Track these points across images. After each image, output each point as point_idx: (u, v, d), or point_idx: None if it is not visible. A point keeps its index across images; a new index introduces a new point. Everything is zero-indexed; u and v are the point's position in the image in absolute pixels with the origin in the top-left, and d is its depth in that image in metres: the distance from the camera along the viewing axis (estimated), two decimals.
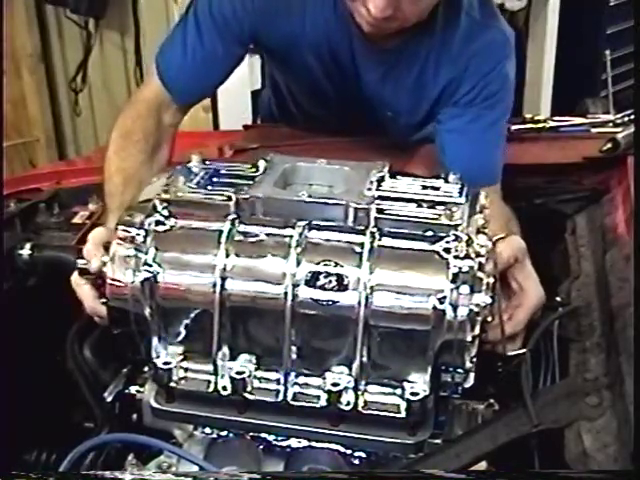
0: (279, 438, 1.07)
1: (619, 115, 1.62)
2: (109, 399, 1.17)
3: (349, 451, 1.06)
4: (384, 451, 1.05)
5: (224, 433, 1.10)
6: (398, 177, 1.10)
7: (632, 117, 1.56)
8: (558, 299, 1.22)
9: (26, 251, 1.27)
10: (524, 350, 1.07)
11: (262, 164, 1.11)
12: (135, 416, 1.16)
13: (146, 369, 1.14)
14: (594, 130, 1.61)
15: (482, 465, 0.98)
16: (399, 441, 1.01)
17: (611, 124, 1.61)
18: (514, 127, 1.60)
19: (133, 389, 1.17)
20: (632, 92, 2.96)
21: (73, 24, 3.18)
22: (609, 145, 1.41)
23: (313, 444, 1.07)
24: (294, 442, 1.07)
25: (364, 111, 1.58)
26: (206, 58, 1.47)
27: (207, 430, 1.11)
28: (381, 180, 1.08)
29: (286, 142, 1.64)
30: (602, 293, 1.16)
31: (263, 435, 1.08)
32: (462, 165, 1.26)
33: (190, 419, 1.09)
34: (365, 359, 0.99)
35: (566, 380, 1.06)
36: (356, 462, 1.07)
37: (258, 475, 0.98)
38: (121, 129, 1.44)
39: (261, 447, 1.08)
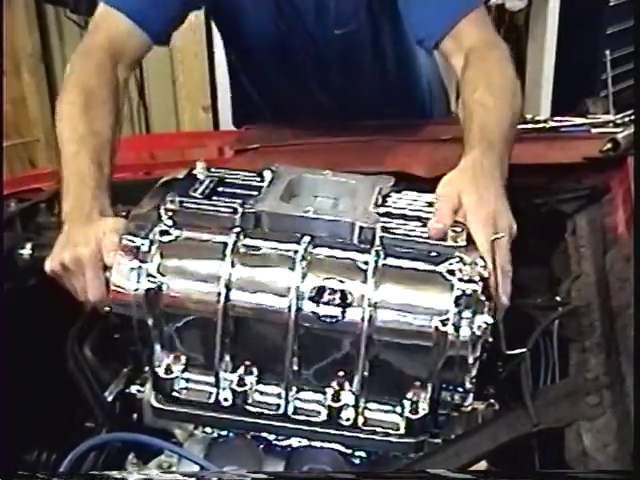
0: (279, 438, 1.08)
1: (619, 115, 1.62)
2: (110, 398, 1.18)
3: (349, 451, 1.07)
4: (384, 451, 1.05)
5: (224, 432, 1.10)
6: (403, 192, 1.11)
7: (632, 117, 1.55)
8: (558, 299, 1.22)
9: (27, 251, 1.27)
10: (524, 350, 1.07)
11: (268, 175, 1.12)
12: (136, 415, 1.16)
13: (146, 369, 1.14)
14: (594, 130, 1.61)
15: (482, 465, 0.98)
16: (399, 441, 1.02)
17: (611, 124, 1.61)
18: None
19: (134, 389, 1.17)
20: (632, 92, 2.96)
21: (73, 24, 3.18)
22: (609, 145, 1.41)
23: (313, 444, 1.07)
24: (294, 442, 1.07)
25: (315, 48, 1.63)
26: None
27: (207, 430, 1.11)
28: (386, 196, 1.09)
29: (286, 142, 1.64)
30: (602, 293, 1.16)
31: (263, 435, 1.08)
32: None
33: (191, 419, 1.09)
34: (366, 375, 1.00)
35: (566, 380, 1.06)
36: (356, 462, 1.07)
37: (263, 475, 0.99)
38: (85, 83, 1.32)
39: (261, 446, 1.09)
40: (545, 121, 1.65)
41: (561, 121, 1.65)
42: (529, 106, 3.44)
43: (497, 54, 1.35)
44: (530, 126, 1.62)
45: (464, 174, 1.10)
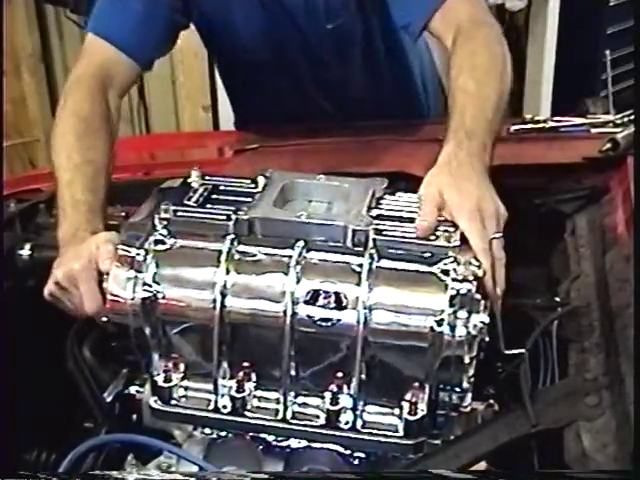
0: (278, 438, 1.08)
1: (619, 115, 1.62)
2: (109, 399, 1.18)
3: (348, 452, 1.07)
4: (383, 452, 1.05)
5: (224, 433, 1.10)
6: (397, 194, 1.11)
7: (632, 117, 1.55)
8: (557, 299, 1.22)
9: (26, 251, 1.27)
10: (523, 350, 1.07)
11: (261, 181, 1.13)
12: (135, 416, 1.16)
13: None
14: (594, 130, 1.61)
15: (482, 465, 0.98)
16: (398, 442, 1.02)
17: (611, 124, 1.61)
18: (514, 127, 1.60)
19: (133, 389, 1.17)
20: (632, 92, 2.96)
21: (73, 24, 3.18)
22: (609, 145, 1.40)
23: (312, 444, 1.07)
24: (293, 442, 1.07)
25: (305, 45, 1.62)
26: (145, 7, 1.46)
27: (207, 430, 1.11)
28: (380, 198, 1.09)
29: (286, 143, 1.64)
30: (602, 293, 1.16)
31: (262, 435, 1.08)
32: None
33: (190, 420, 1.09)
34: (364, 378, 1.00)
35: (565, 380, 1.06)
36: (355, 462, 1.07)
37: (263, 475, 0.99)
38: (78, 112, 1.34)
39: (260, 447, 1.09)
40: (545, 121, 1.65)
41: (561, 121, 1.65)
42: (529, 106, 3.44)
43: (486, 32, 1.31)
44: (530, 126, 1.62)
45: (441, 171, 1.11)
